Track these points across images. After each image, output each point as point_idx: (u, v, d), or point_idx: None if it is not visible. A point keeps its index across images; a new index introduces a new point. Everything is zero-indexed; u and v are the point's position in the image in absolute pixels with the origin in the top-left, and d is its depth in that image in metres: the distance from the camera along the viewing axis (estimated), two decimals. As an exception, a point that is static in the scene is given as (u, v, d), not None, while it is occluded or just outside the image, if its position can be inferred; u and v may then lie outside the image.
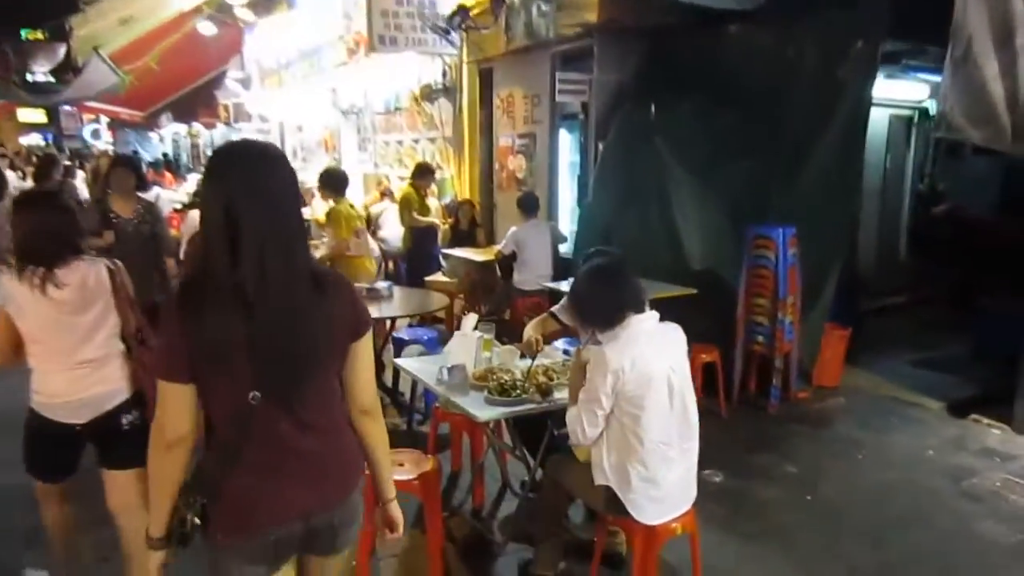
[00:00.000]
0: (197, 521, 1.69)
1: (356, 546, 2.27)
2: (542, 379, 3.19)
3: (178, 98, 18.28)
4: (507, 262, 6.99)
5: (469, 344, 3.25)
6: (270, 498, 1.70)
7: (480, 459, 3.77)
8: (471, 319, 3.41)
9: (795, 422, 5.06)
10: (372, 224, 8.87)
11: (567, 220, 7.90)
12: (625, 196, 6.35)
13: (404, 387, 5.45)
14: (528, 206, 6.88)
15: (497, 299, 7.46)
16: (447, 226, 8.08)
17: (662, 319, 2.72)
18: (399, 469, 3.08)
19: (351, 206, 6.05)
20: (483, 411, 2.89)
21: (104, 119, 22.42)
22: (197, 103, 18.22)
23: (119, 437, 2.65)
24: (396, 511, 1.97)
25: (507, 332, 7.43)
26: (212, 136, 20.19)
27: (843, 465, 4.41)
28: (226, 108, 16.30)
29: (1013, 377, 5.80)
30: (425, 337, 5.44)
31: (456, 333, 3.29)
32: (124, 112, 19.22)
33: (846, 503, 3.94)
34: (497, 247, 7.42)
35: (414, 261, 7.77)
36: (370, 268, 6.14)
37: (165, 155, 21.92)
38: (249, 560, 1.74)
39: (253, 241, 1.57)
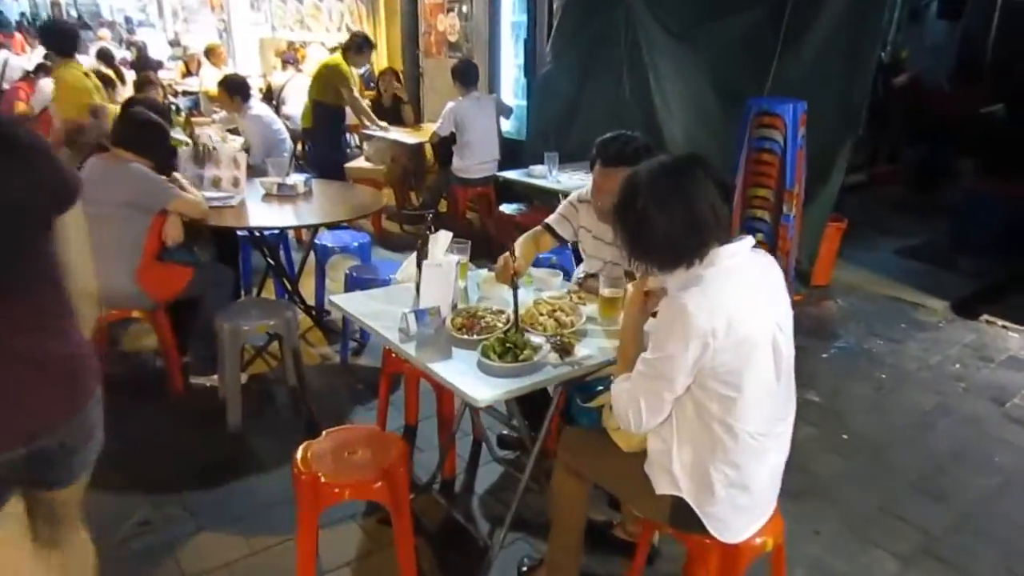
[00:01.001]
0: None
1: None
2: (547, 321, 2.26)
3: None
4: (445, 145, 5.88)
5: (444, 277, 2.24)
6: None
7: (452, 428, 2.84)
8: (443, 238, 2.39)
9: (800, 334, 4.36)
10: (274, 98, 7.48)
11: (510, 94, 6.76)
12: (590, 64, 5.30)
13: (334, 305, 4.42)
14: (466, 76, 5.72)
15: (433, 190, 6.38)
16: (368, 99, 6.79)
17: None
18: (351, 459, 2.14)
19: (85, 74, 4.62)
20: (482, 387, 1.92)
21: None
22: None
23: None
24: None
25: (443, 228, 6.43)
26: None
27: (867, 389, 3.76)
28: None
29: (1007, 267, 5.36)
30: (355, 243, 4.37)
31: (424, 263, 2.27)
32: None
33: (887, 442, 3.29)
34: (431, 127, 6.28)
35: (320, 143, 6.29)
36: None
37: (24, 15, 18.88)
38: None
39: None
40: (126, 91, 6.65)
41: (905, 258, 5.78)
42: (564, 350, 2.09)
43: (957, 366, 4.00)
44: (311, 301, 4.40)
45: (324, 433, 2.27)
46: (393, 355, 2.78)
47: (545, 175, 4.58)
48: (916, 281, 5.20)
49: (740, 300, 1.67)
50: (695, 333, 1.61)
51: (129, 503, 2.74)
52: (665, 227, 1.68)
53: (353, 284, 3.84)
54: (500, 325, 2.20)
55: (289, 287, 4.25)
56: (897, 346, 4.24)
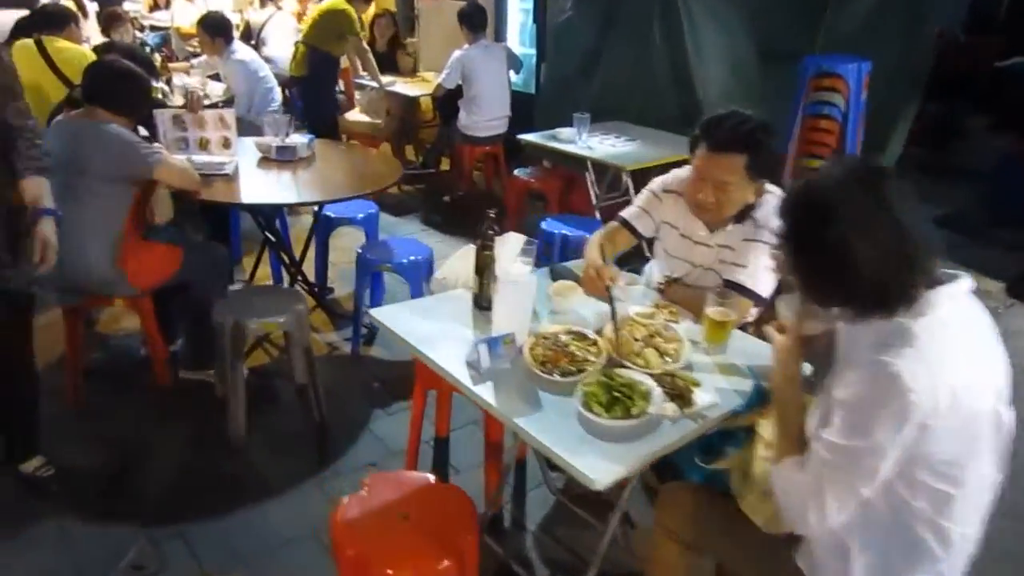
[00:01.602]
0: None
1: None
2: (648, 352, 1.80)
3: None
4: (450, 98, 5.32)
5: (522, 296, 1.78)
6: None
7: (503, 462, 2.36)
8: (512, 241, 1.91)
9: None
10: (253, 37, 6.77)
11: (516, 42, 6.17)
12: (615, 11, 4.74)
13: (337, 280, 3.95)
14: (474, 21, 5.15)
15: (434, 147, 5.83)
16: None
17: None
18: (405, 526, 1.71)
19: None
20: (599, 459, 1.44)
21: None
22: None
23: None
24: None
25: (444, 189, 5.89)
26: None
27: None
28: None
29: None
30: (360, 215, 3.87)
31: (498, 279, 1.79)
32: None
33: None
34: (428, 76, 5.71)
35: (312, 94, 5.57)
36: None
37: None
38: None
39: None
40: (89, 26, 5.93)
41: (940, 228, 5.41)
42: (681, 397, 1.65)
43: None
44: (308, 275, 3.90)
45: (364, 486, 1.83)
46: (424, 365, 2.31)
47: (574, 139, 4.06)
48: (960, 257, 4.83)
49: (961, 365, 1.25)
50: (913, 413, 1.19)
51: (119, 535, 2.33)
52: (870, 261, 1.25)
53: (364, 266, 3.39)
54: (593, 359, 1.75)
55: (288, 262, 3.74)
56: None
